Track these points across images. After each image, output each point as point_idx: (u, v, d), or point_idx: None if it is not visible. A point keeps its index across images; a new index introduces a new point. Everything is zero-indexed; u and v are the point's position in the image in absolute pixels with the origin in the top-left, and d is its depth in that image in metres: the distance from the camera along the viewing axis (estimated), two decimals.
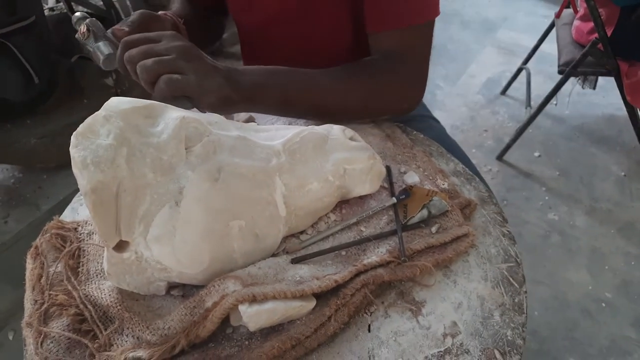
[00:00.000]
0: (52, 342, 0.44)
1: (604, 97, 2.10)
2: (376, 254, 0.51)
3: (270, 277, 0.46)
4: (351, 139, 0.58)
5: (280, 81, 0.60)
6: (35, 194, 1.32)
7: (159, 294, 0.48)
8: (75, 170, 0.41)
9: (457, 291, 0.50)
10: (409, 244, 0.52)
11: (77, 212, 0.59)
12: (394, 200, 0.56)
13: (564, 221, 1.58)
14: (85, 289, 0.47)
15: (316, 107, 0.64)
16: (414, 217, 0.54)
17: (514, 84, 2.15)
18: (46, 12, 1.34)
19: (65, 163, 1.32)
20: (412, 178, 0.60)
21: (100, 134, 0.41)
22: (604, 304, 1.33)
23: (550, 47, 1.94)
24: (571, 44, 1.55)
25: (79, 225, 0.54)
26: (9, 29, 1.06)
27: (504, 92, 2.16)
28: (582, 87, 1.62)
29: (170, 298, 0.48)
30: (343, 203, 0.58)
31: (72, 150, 0.40)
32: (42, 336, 0.44)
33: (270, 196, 0.49)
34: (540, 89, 2.09)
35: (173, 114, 0.46)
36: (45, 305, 0.46)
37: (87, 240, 0.53)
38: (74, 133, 0.41)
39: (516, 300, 0.50)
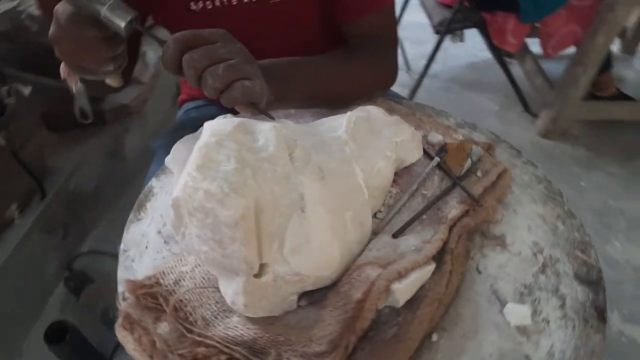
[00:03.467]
0: None
1: (461, 48, 2.41)
2: (454, 207, 0.55)
3: (392, 254, 0.48)
4: None
5: (301, 75, 0.61)
6: None
7: (292, 308, 0.46)
8: (213, 204, 0.37)
9: (520, 217, 0.57)
10: (471, 191, 0.57)
11: (133, 268, 0.53)
12: (437, 159, 0.61)
13: None
14: (216, 335, 0.44)
15: (327, 93, 0.66)
16: (462, 168, 0.60)
17: None
18: None
19: None
20: (436, 138, 0.66)
21: (221, 161, 0.39)
22: None
23: (410, 16, 2.17)
24: (437, 7, 1.76)
25: (158, 279, 0.49)
26: None
27: None
28: (453, 42, 1.85)
29: (302, 310, 0.47)
30: (395, 176, 0.61)
31: (204, 184, 0.37)
32: None
33: (357, 184, 0.51)
34: (410, 54, 2.31)
35: (265, 126, 0.44)
36: None
37: (177, 290, 0.48)
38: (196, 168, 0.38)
39: (566, 209, 0.59)
